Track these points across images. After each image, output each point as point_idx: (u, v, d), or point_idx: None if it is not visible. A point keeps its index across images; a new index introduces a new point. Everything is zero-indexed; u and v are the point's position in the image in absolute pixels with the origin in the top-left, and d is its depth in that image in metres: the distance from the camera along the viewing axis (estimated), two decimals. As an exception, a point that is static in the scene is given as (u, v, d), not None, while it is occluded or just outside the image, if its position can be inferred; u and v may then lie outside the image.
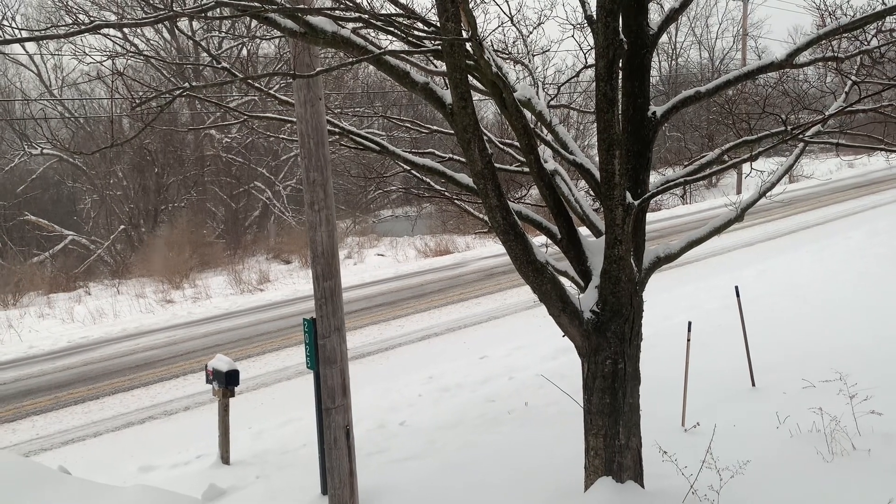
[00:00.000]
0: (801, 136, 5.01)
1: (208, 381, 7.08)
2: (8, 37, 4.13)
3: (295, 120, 5.53)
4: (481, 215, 6.74)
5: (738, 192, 28.91)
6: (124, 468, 7.15)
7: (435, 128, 7.52)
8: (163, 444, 7.88)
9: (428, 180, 7.15)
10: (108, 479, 5.97)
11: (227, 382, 6.90)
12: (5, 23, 3.94)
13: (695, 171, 5.27)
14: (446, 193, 7.44)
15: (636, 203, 4.32)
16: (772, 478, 5.06)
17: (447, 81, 4.16)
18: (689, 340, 6.77)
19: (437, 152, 6.78)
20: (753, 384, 7.29)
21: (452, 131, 4.51)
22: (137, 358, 11.87)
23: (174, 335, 13.41)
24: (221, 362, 6.97)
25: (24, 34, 4.82)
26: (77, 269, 24.27)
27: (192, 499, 3.93)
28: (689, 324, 6.90)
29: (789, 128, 4.83)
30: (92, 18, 6.50)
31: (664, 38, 5.28)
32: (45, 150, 27.21)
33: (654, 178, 5.15)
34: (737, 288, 7.73)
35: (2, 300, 19.12)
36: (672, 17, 4.87)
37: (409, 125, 7.78)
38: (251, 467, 6.80)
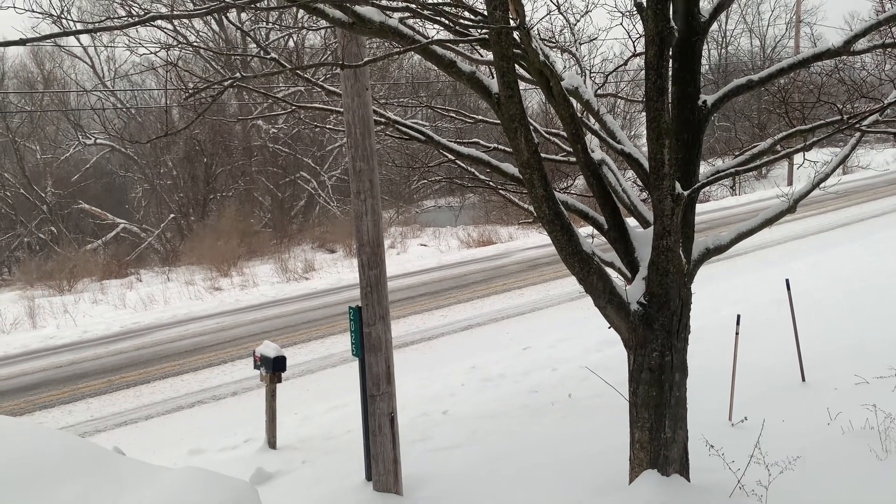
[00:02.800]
0: (857, 125, 4.87)
1: (256, 367, 7.20)
2: (65, 29, 4.25)
3: (341, 110, 5.58)
4: (526, 205, 6.72)
5: (789, 183, 28.25)
6: (174, 451, 7.33)
7: (479, 117, 7.51)
8: (211, 428, 8.06)
9: (472, 170, 7.15)
10: (159, 461, 6.12)
11: (274, 368, 7.01)
12: (62, 15, 4.06)
13: (746, 161, 5.16)
14: (491, 183, 7.43)
15: (686, 193, 4.26)
16: (823, 475, 4.96)
17: (493, 70, 4.15)
18: (737, 334, 6.66)
19: (481, 142, 6.77)
20: (803, 379, 7.13)
21: (498, 121, 4.50)
22: (187, 343, 12.14)
23: (222, 322, 13.68)
24: (269, 348, 7.09)
25: (80, 27, 4.95)
26: (129, 256, 24.91)
27: (241, 482, 4.01)
28: (738, 317, 6.78)
29: (845, 117, 4.70)
30: (145, 10, 6.65)
31: (713, 25, 5.17)
32: (98, 140, 27.93)
33: (704, 169, 5.07)
34: (787, 281, 7.57)
35: (57, 286, 19.73)
36: (724, 3, 4.78)
37: (453, 115, 7.78)
38: (297, 452, 6.91)
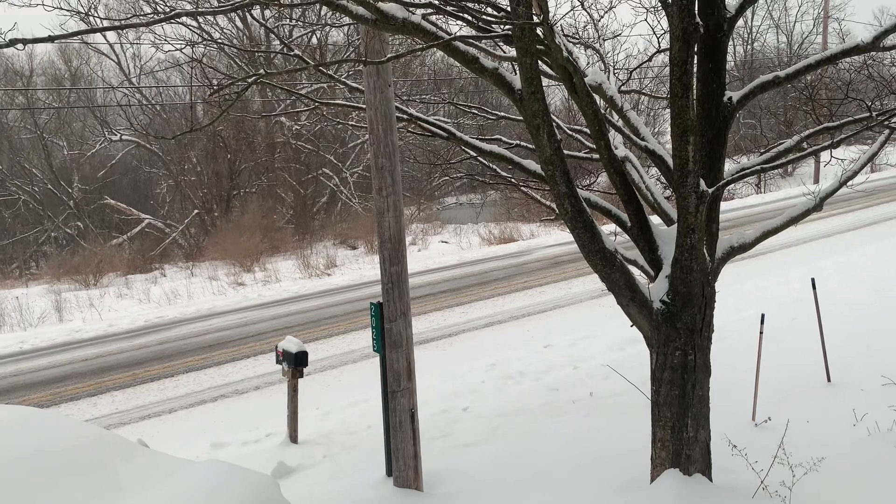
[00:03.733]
0: (886, 122, 4.79)
1: (278, 362, 7.26)
2: (92, 27, 4.29)
3: (364, 107, 5.59)
4: (548, 202, 6.70)
5: (816, 181, 27.88)
6: (197, 444, 7.40)
7: (502, 114, 7.49)
8: (234, 422, 8.13)
9: (494, 167, 7.13)
10: (182, 454, 6.19)
11: (296, 363, 7.06)
12: (89, 13, 4.10)
13: (771, 158, 5.10)
14: (513, 180, 7.41)
15: (710, 191, 4.21)
16: (848, 476, 4.89)
17: (516, 67, 4.14)
18: (761, 333, 6.59)
19: (503, 139, 6.75)
20: (829, 380, 7.04)
21: (520, 117, 4.48)
22: (210, 338, 12.25)
23: (245, 317, 13.79)
24: (291, 344, 7.14)
25: (106, 24, 5.01)
26: (153, 251, 25.19)
27: (263, 475, 4.04)
28: (763, 316, 6.71)
29: (874, 114, 4.62)
30: (170, 7, 6.71)
31: (739, 21, 5.10)
32: (123, 137, 28.27)
33: (729, 166, 5.02)
34: (813, 280, 7.47)
35: (83, 280, 20.01)
36: (750, -1, 4.72)
37: (475, 111, 7.76)
38: (318, 447, 6.96)
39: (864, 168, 5.44)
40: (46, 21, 30.79)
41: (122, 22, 4.36)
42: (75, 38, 3.51)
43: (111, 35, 28.18)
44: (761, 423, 6.06)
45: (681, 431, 4.53)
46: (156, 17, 4.09)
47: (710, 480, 4.66)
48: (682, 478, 4.54)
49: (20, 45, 3.07)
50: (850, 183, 5.27)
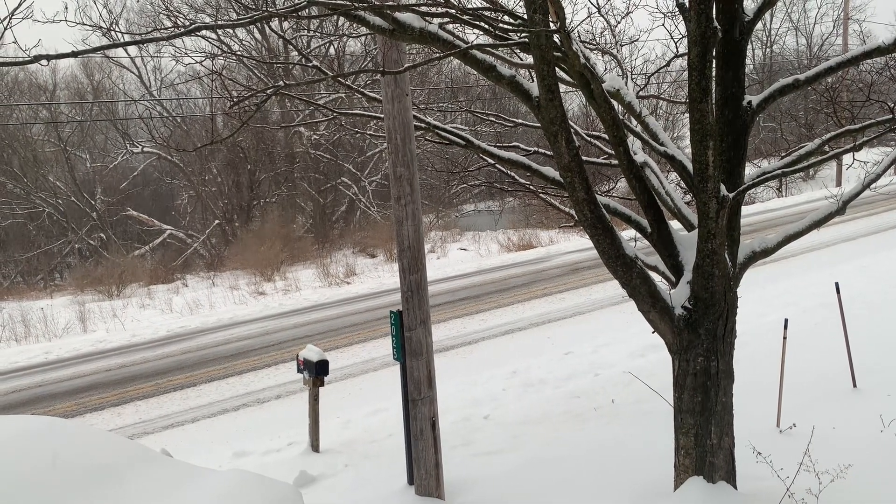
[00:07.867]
0: (910, 124, 4.73)
1: (299, 371, 7.29)
2: (114, 41, 4.35)
3: (382, 116, 5.62)
4: (567, 209, 6.68)
5: (838, 184, 27.59)
6: (220, 453, 7.44)
7: (519, 121, 7.48)
8: (256, 431, 8.16)
9: (512, 174, 7.13)
10: (205, 463, 6.23)
11: (317, 372, 7.08)
12: (112, 27, 4.16)
13: (793, 162, 5.05)
14: (531, 187, 7.40)
15: (731, 196, 4.18)
16: (877, 484, 4.82)
17: (533, 74, 4.14)
18: (785, 338, 6.51)
19: (521, 146, 6.75)
20: (855, 385, 6.94)
21: (537, 124, 4.48)
22: (232, 347, 12.33)
23: (266, 326, 13.86)
24: (312, 352, 7.16)
25: (127, 39, 5.09)
26: (175, 261, 25.43)
27: (285, 484, 4.06)
28: (786, 321, 6.63)
29: (897, 115, 4.57)
30: (190, 21, 6.79)
31: (758, 24, 5.07)
32: (145, 149, 28.61)
33: (750, 170, 4.98)
34: (837, 284, 7.38)
35: (107, 291, 20.23)
36: (768, 1, 4.69)
37: (493, 119, 7.77)
38: (340, 456, 6.97)
39: (888, 170, 5.37)
40: (69, 36, 31.29)
41: (144, 36, 4.42)
42: (98, 52, 3.56)
43: (132, 49, 28.57)
44: (786, 429, 5.99)
45: (704, 438, 4.49)
46: (176, 30, 4.14)
47: (735, 488, 4.61)
48: (706, 485, 4.49)
49: (44, 61, 3.12)
50: (873, 185, 5.21)
